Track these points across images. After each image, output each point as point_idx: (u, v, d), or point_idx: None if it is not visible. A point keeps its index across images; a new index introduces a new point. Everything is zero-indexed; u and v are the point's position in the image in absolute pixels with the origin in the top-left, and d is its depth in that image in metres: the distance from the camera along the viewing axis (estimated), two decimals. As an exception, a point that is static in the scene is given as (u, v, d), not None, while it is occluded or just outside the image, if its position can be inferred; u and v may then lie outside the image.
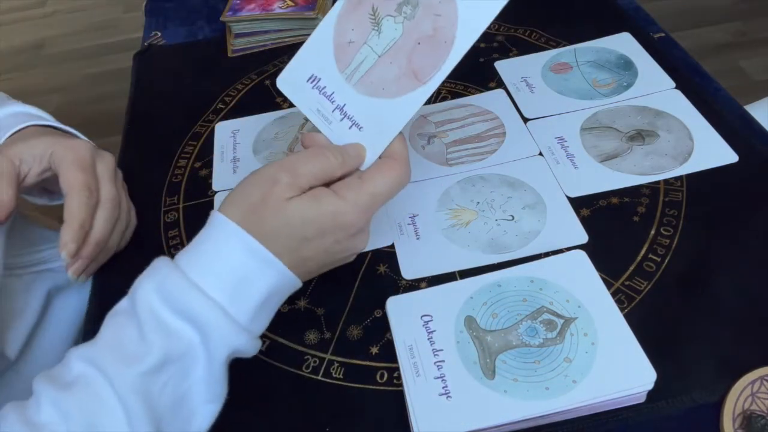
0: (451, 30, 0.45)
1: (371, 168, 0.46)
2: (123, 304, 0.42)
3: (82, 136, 0.62)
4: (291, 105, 0.74)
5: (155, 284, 0.41)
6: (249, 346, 0.43)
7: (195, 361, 0.41)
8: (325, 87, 0.48)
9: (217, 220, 0.43)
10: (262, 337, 0.52)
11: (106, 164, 0.57)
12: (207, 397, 0.42)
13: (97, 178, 0.56)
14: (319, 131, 0.49)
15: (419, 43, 0.46)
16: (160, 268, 0.42)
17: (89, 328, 0.55)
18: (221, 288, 0.41)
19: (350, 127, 0.48)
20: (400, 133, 0.47)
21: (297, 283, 0.45)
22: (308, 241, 0.44)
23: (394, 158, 0.46)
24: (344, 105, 0.48)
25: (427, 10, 0.46)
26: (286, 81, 0.50)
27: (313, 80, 0.49)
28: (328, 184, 0.45)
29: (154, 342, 0.40)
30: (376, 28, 0.47)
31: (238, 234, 0.42)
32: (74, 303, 0.63)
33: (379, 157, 0.47)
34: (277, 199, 0.43)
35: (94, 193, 0.54)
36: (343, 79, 0.48)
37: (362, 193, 0.44)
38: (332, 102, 0.48)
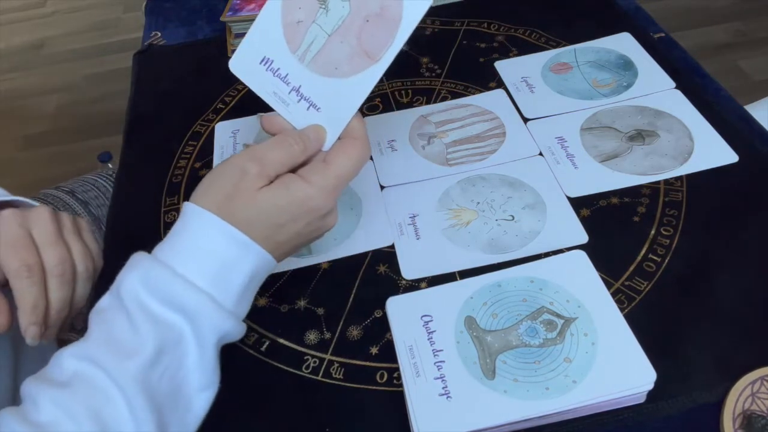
0: (398, 6, 0.45)
1: (334, 150, 0.47)
2: (105, 300, 0.43)
3: (23, 200, 0.57)
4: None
5: (139, 277, 0.42)
6: (236, 329, 0.44)
7: (187, 349, 0.42)
8: (278, 69, 0.48)
9: (191, 211, 0.44)
10: (262, 337, 0.52)
11: (41, 226, 0.52)
12: (201, 384, 0.42)
13: (36, 247, 0.51)
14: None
15: (368, 21, 0.46)
16: (140, 261, 0.43)
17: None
18: (205, 275, 0.42)
19: (308, 108, 0.48)
20: (358, 111, 0.47)
21: (274, 265, 0.46)
22: (281, 227, 0.45)
23: (354, 137, 0.47)
24: (300, 86, 0.48)
25: None
26: (239, 65, 0.49)
27: (266, 62, 0.48)
28: (294, 169, 0.46)
29: (148, 334, 0.40)
30: (323, 5, 0.47)
31: (215, 222, 0.43)
32: None
33: (341, 137, 0.48)
34: (248, 189, 0.44)
35: (34, 268, 0.50)
36: (295, 60, 0.48)
37: (328, 176, 0.45)
38: (287, 84, 0.48)
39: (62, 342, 0.65)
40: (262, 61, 0.48)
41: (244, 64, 0.49)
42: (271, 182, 0.45)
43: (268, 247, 0.45)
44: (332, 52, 0.47)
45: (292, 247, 0.48)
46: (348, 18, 0.46)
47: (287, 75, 0.48)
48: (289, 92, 0.48)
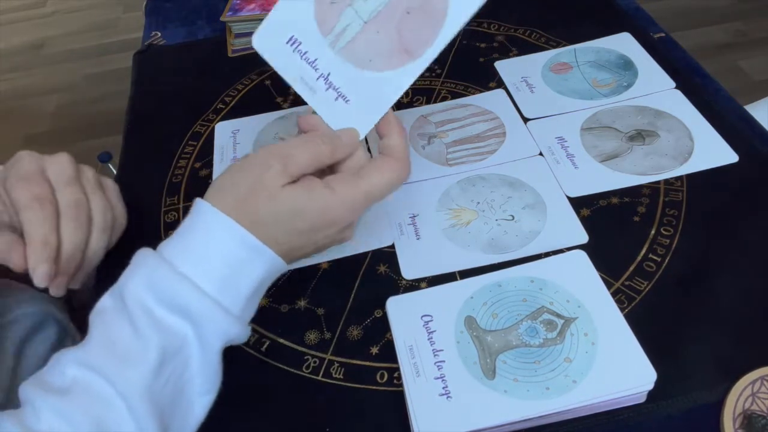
0: (443, 1, 0.41)
1: (370, 165, 0.44)
2: (107, 301, 0.41)
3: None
4: (292, 105, 0.74)
5: (144, 279, 0.40)
6: (242, 333, 0.42)
7: (191, 355, 0.40)
8: (306, 52, 0.44)
9: (203, 208, 0.42)
10: (262, 337, 0.52)
11: (59, 166, 0.50)
12: (203, 388, 0.42)
13: (50, 185, 0.49)
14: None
15: (408, 13, 0.42)
16: (145, 260, 0.41)
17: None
18: (213, 279, 0.40)
19: (336, 99, 0.44)
20: (403, 128, 0.44)
21: (285, 268, 0.45)
22: (300, 234, 0.43)
23: (394, 157, 0.44)
24: (329, 74, 0.44)
25: None
26: (263, 42, 0.45)
27: (294, 43, 0.44)
28: (323, 172, 0.44)
29: (151, 340, 0.39)
30: None
31: (227, 223, 0.41)
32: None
33: (380, 153, 0.45)
34: (270, 185, 0.42)
35: (47, 203, 0.48)
36: (326, 44, 0.43)
37: (357, 191, 0.43)
38: (316, 70, 0.44)
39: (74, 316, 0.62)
40: (289, 40, 0.44)
41: (269, 41, 0.44)
42: (295, 182, 0.43)
43: (281, 250, 0.43)
44: (367, 42, 0.43)
45: (303, 255, 0.46)
46: (387, 6, 0.42)
47: (316, 60, 0.44)
48: (317, 78, 0.44)
